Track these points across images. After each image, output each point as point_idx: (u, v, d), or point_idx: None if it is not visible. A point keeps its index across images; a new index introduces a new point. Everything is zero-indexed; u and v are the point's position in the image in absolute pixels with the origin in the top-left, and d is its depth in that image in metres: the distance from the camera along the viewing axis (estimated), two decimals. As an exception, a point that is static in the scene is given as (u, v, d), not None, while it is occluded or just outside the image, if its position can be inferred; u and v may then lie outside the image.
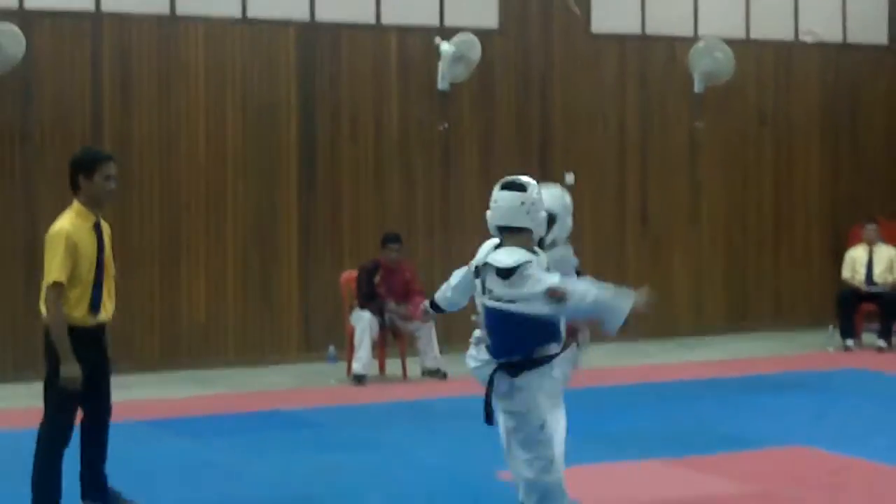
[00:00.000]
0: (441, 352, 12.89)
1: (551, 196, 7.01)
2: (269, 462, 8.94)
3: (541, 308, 5.99)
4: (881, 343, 14.57)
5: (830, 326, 14.91)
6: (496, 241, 6.30)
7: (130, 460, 8.51)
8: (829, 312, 15.28)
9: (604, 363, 13.85)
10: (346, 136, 14.30)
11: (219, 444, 9.59)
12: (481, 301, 6.23)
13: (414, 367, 12.84)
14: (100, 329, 7.21)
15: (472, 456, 9.13)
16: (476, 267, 6.23)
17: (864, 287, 14.91)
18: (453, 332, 14.13)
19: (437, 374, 12.77)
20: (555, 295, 5.93)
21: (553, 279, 6.01)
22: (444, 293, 6.81)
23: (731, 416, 10.32)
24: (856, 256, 15.15)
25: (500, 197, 6.20)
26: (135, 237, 13.29)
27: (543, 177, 14.84)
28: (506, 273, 6.02)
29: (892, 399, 11.60)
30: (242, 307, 13.80)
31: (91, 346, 7.08)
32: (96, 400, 7.22)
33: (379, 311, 12.70)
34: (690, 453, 8.97)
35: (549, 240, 6.97)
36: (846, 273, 15.13)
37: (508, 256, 6.09)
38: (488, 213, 6.28)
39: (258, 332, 13.86)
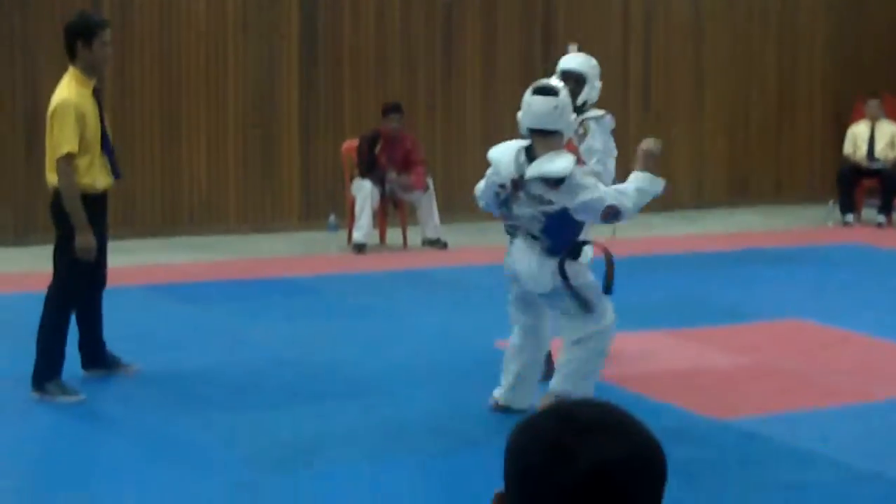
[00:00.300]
0: (441, 221, 12.93)
1: (579, 60, 7.69)
2: (268, 328, 9.02)
3: (594, 217, 6.44)
4: (881, 219, 14.60)
5: (831, 201, 14.93)
6: (516, 145, 6.52)
7: (130, 325, 8.59)
8: (830, 188, 15.29)
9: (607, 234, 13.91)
10: (348, 5, 14.16)
11: (219, 310, 9.67)
12: (531, 210, 6.41)
13: (414, 237, 12.89)
14: (104, 196, 7.26)
15: (471, 325, 9.22)
16: (513, 181, 6.41)
17: (865, 163, 14.89)
18: (454, 203, 14.16)
19: (437, 243, 12.82)
20: (610, 212, 6.32)
21: (605, 193, 6.34)
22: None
23: (730, 288, 10.38)
24: (858, 132, 15.11)
25: (532, 101, 6.46)
26: (136, 103, 13.24)
27: (546, 49, 14.78)
28: (556, 182, 6.31)
29: (888, 274, 11.66)
30: (244, 175, 13.79)
31: (97, 212, 7.12)
32: (96, 267, 7.27)
33: (379, 181, 12.71)
34: (689, 325, 9.06)
35: (579, 101, 7.39)
36: (848, 149, 15.10)
37: (554, 164, 6.33)
38: (519, 115, 6.56)
39: (259, 200, 13.88)
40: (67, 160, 6.96)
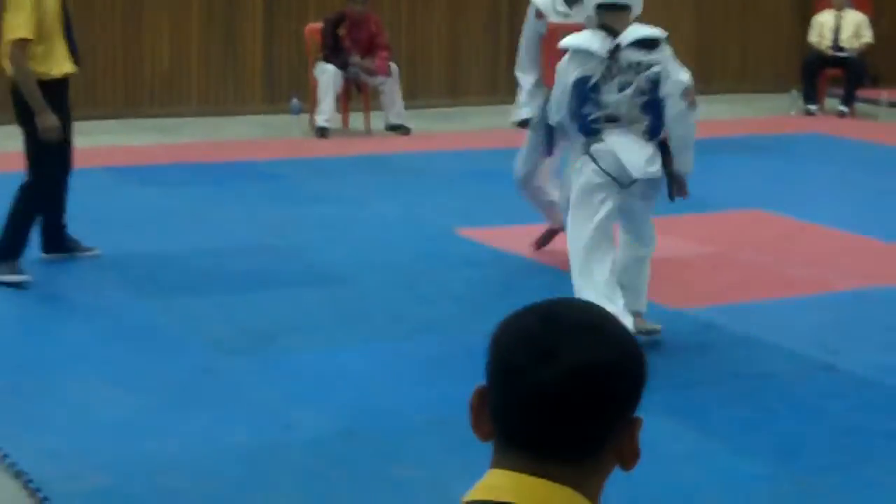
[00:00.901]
0: (405, 107, 12.86)
1: None
2: (230, 213, 9.00)
3: (678, 98, 6.16)
4: (843, 108, 14.62)
5: (794, 90, 14.92)
6: (588, 32, 6.22)
7: (90, 208, 8.55)
8: (794, 77, 15.27)
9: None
10: None
11: (180, 194, 9.63)
12: (630, 87, 6.12)
13: (377, 122, 12.83)
14: (64, 82, 7.19)
15: (432, 211, 9.23)
16: (610, 53, 6.10)
17: (830, 52, 14.86)
18: (418, 88, 14.09)
19: (400, 129, 12.77)
20: (689, 97, 6.18)
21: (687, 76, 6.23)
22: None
23: (693, 178, 10.39)
24: (823, 21, 15.05)
25: None
26: (96, -18, 13.05)
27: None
28: (652, 43, 6.16)
29: (848, 164, 11.71)
30: (206, 57, 13.65)
31: (57, 99, 7.06)
32: (62, 153, 7.23)
33: (343, 65, 12.60)
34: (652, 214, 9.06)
35: None
36: (813, 38, 15.05)
37: (647, 28, 6.23)
38: None
39: (222, 83, 13.75)
40: (20, 46, 6.87)
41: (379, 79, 12.67)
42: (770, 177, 10.86)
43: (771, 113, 14.64)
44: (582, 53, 6.14)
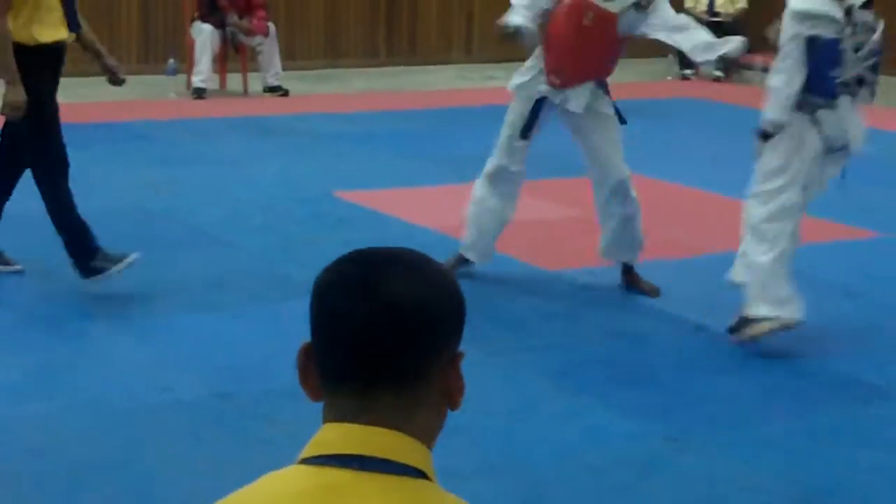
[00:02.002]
0: (283, 68, 12.77)
1: None
2: (104, 174, 8.85)
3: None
4: (718, 73, 14.80)
5: (670, 55, 15.07)
6: None
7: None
8: (671, 41, 15.41)
9: (449, 86, 13.90)
10: None
11: (53, 155, 9.44)
12: (862, 50, 5.98)
13: (255, 83, 12.71)
14: (52, 50, 6.56)
15: (310, 173, 9.19)
16: (842, 25, 5.90)
17: (705, 17, 15.02)
18: (296, 49, 13.99)
19: (278, 90, 12.67)
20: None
21: None
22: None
23: (566, 141, 10.46)
24: (699, -14, 15.23)
25: None
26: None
27: None
28: (869, 3, 6.00)
29: (723, 128, 11.87)
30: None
31: (48, 69, 6.52)
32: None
33: (220, 24, 12.45)
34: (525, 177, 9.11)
35: None
36: (688, 3, 15.21)
37: None
38: None
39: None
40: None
41: (257, 39, 12.55)
42: (645, 141, 10.94)
43: (649, 78, 14.78)
44: (818, 18, 5.89)
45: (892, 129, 12.05)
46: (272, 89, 12.68)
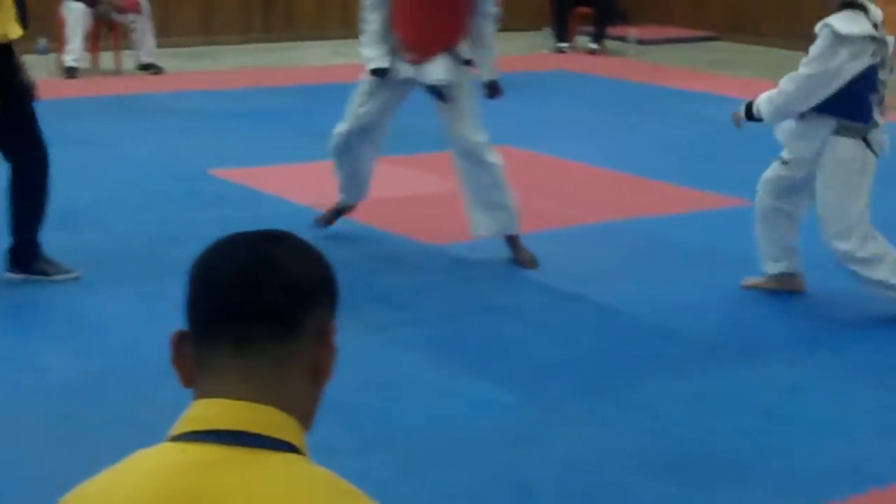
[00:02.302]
0: (157, 46, 12.62)
1: None
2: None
3: None
4: (593, 46, 14.95)
5: (546, 28, 15.19)
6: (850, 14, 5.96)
7: None
8: (546, 15, 15.52)
9: (326, 61, 13.85)
10: None
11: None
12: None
13: (128, 61, 12.55)
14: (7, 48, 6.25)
15: (185, 152, 9.12)
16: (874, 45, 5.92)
17: (580, -9, 15.14)
18: (170, 26, 13.83)
19: (151, 68, 12.53)
20: None
21: None
22: None
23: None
24: (574, -40, 15.32)
25: None
26: None
27: None
28: None
29: (597, 101, 12.00)
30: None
31: None
32: None
33: (92, 2, 12.26)
34: (404, 152, 9.14)
35: None
36: (563, -24, 15.30)
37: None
38: None
39: (-38, 21, 13.23)
40: None
41: (129, 16, 12.40)
42: (520, 114, 11.03)
43: (525, 51, 14.86)
44: (860, 40, 5.86)
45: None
46: (145, 67, 12.54)
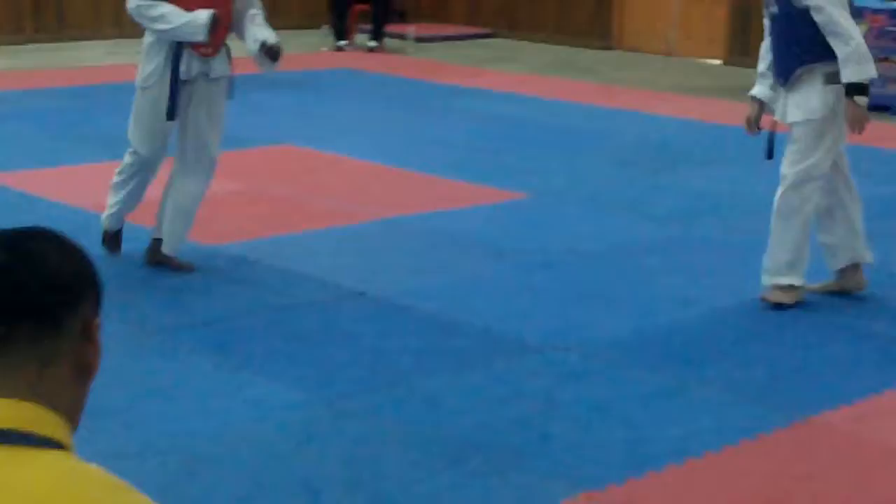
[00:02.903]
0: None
1: None
2: None
3: None
4: (372, 44, 15.01)
5: (324, 26, 15.18)
6: None
7: None
8: (324, 13, 15.51)
9: (99, 62, 13.58)
10: None
11: None
12: None
13: None
14: None
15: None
16: None
17: (357, -11, 15.18)
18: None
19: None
20: None
21: None
22: None
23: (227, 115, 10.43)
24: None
25: None
26: None
27: None
28: None
29: (376, 98, 12.05)
30: None
31: None
32: None
33: None
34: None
35: None
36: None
37: None
38: None
39: None
40: None
41: None
42: (300, 112, 11.03)
43: (304, 50, 14.82)
44: None
45: (533, 93, 12.51)
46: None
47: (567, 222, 7.75)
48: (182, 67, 6.38)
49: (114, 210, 6.66)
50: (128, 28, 15.06)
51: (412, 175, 8.83)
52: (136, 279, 6.25)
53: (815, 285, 6.43)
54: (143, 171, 6.56)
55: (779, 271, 6.19)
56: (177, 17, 6.28)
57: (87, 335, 1.68)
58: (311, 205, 7.96)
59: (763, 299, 6.25)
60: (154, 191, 6.73)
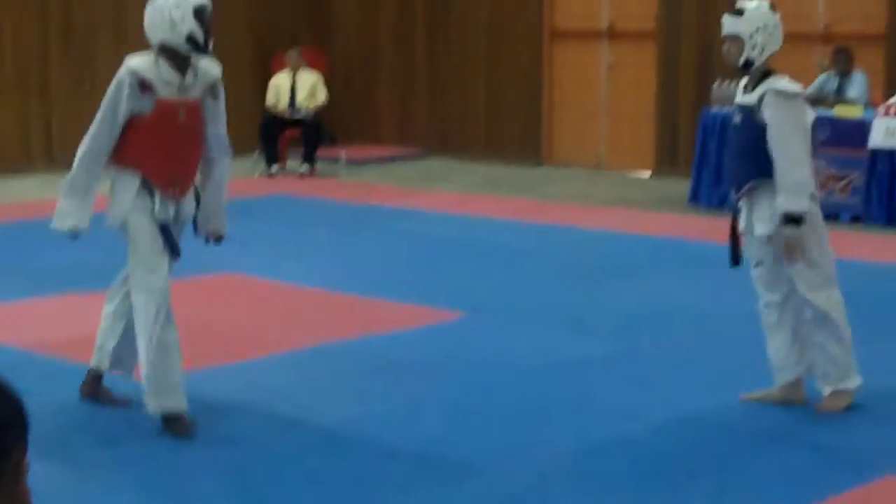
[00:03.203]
0: None
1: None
2: None
3: None
4: (303, 169, 15.05)
5: (256, 153, 15.21)
6: None
7: None
8: (255, 139, 15.53)
9: (30, 196, 13.51)
10: None
11: None
12: None
13: None
14: None
15: None
16: None
17: (287, 113, 15.26)
18: None
19: None
20: None
21: None
22: None
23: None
24: (279, 83, 15.44)
25: None
26: None
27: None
28: None
29: (311, 223, 12.06)
30: None
31: None
32: None
33: None
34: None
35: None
36: (270, 99, 15.40)
37: None
38: None
39: None
40: None
41: None
42: (235, 240, 10.97)
43: (236, 176, 14.76)
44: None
45: (466, 212, 12.57)
46: None
47: (505, 339, 7.74)
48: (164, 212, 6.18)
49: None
50: (58, 162, 15.03)
51: (350, 298, 8.80)
52: (70, 417, 6.14)
53: (758, 393, 6.44)
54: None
55: (840, 377, 6.31)
56: (68, 186, 6.09)
57: (19, 477, 1.64)
58: (251, 333, 7.90)
59: (821, 409, 6.32)
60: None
